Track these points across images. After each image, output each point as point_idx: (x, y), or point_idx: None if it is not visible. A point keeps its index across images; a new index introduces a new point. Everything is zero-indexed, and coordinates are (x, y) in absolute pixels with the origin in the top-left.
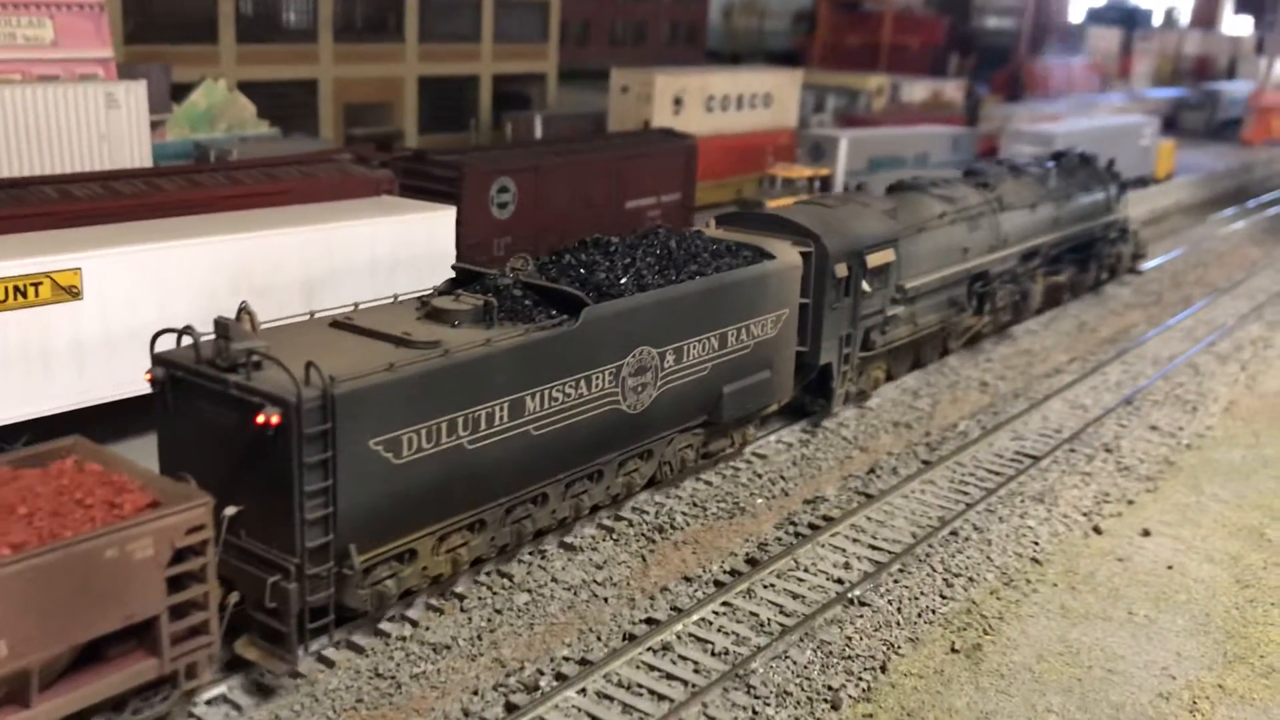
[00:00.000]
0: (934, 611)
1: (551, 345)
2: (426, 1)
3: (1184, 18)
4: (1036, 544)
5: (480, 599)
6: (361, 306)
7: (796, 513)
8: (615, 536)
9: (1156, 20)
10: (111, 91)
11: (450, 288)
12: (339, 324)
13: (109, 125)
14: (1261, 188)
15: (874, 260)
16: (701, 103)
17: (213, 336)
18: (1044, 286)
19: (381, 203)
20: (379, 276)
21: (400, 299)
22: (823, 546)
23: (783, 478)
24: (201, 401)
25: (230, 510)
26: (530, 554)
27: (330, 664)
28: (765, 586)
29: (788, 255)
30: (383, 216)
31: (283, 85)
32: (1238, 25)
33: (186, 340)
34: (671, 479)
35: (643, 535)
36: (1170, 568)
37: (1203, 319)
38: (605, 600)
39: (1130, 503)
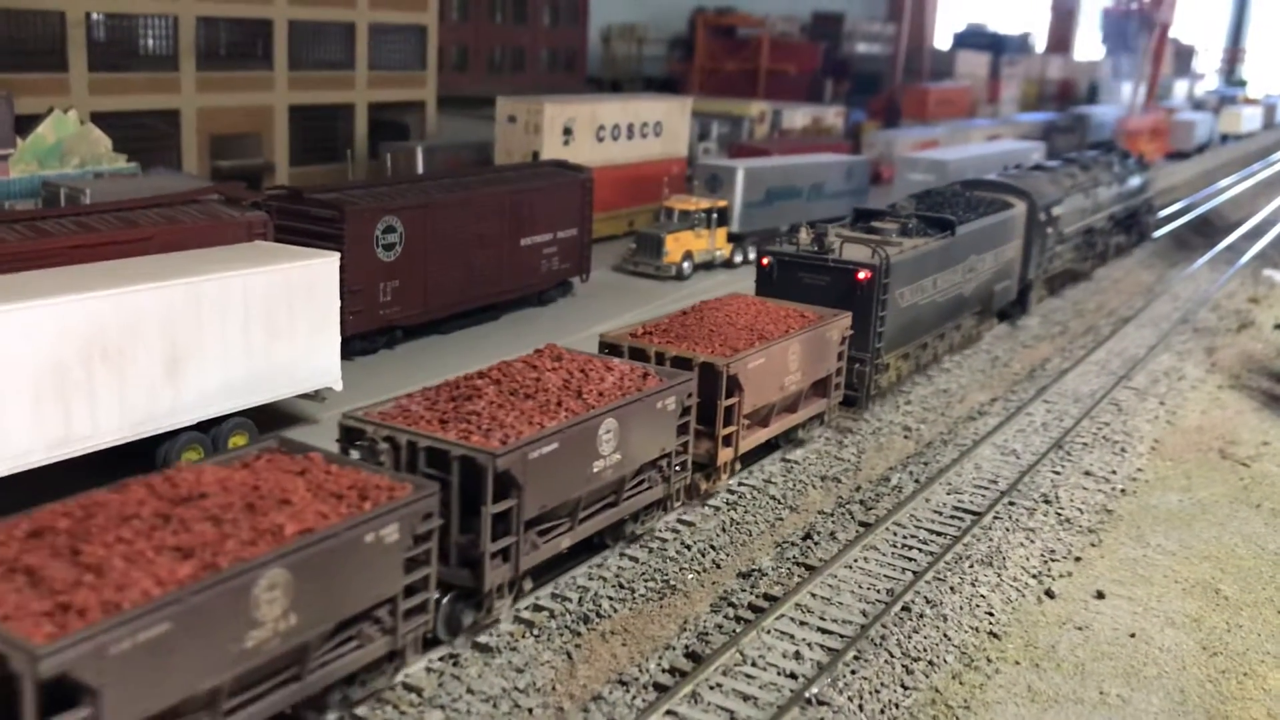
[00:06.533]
0: (898, 706)
1: (945, 248)
2: (296, 26)
3: (1039, 44)
4: (991, 615)
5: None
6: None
7: (733, 590)
8: (536, 631)
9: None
10: None
11: (857, 218)
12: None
13: None
14: None
15: (1055, 211)
16: (592, 132)
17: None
18: (1115, 240)
19: (256, 249)
20: (253, 334)
21: (831, 227)
22: (769, 633)
23: (713, 547)
24: (801, 273)
25: None
26: (441, 659)
27: None
28: (712, 688)
29: (1019, 205)
30: (257, 266)
31: (141, 116)
32: (1090, 50)
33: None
34: (966, 344)
35: (566, 628)
36: (1133, 635)
37: (1114, 350)
38: (530, 712)
39: (1078, 559)
